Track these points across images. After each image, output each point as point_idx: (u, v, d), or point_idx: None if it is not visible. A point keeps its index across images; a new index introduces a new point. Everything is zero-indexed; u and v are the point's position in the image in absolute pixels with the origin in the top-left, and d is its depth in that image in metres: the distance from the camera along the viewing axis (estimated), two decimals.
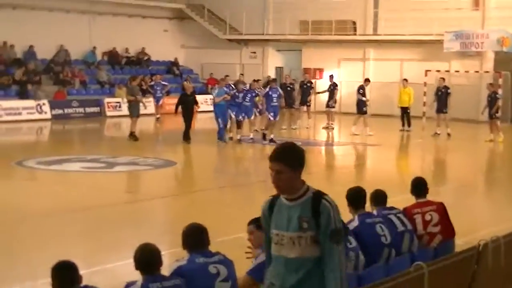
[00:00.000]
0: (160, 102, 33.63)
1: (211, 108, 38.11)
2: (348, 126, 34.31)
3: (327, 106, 31.19)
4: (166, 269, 5.99)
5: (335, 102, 31.79)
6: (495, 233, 8.02)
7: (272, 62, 42.49)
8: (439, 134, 28.07)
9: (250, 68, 41.85)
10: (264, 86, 25.91)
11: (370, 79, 36.40)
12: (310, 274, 4.83)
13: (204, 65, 43.24)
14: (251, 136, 25.22)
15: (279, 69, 42.58)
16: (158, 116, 33.26)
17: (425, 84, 34.05)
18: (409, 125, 30.09)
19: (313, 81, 34.16)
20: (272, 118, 25.11)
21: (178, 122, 24.57)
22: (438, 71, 35.05)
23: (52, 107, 33.18)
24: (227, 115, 24.82)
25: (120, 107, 35.30)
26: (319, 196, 4.93)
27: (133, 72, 38.94)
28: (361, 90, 29.34)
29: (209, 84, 40.91)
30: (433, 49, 35.32)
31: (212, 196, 16.34)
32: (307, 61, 40.35)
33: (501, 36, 33.25)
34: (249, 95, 25.32)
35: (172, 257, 7.27)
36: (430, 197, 8.63)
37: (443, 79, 29.55)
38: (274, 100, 25.29)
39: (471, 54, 35.34)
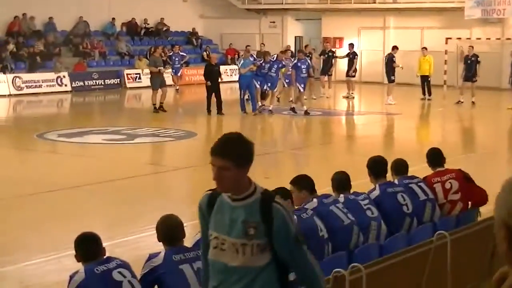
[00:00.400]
0: (179, 73, 33.54)
1: (232, 78, 38.33)
2: (369, 95, 34.19)
3: (347, 75, 31.03)
4: (189, 241, 6.01)
5: (355, 71, 31.64)
6: None
7: (292, 32, 42.30)
8: (462, 102, 27.81)
9: (270, 37, 41.63)
10: (266, 59, 25.26)
11: (390, 48, 36.22)
12: (253, 283, 4.15)
13: (223, 35, 43.12)
14: (270, 107, 24.87)
15: (298, 38, 42.39)
16: (177, 87, 33.23)
17: (446, 52, 33.83)
18: (429, 93, 29.89)
19: (334, 49, 33.96)
20: (302, 90, 24.73)
21: (197, 93, 24.55)
22: (459, 38, 34.80)
23: (72, 79, 33.25)
24: (253, 86, 24.50)
25: (139, 78, 35.35)
26: (269, 198, 4.21)
27: (152, 43, 38.95)
28: (394, 58, 29.13)
29: (229, 55, 40.82)
30: (454, 16, 34.99)
31: None
32: (326, 30, 40.13)
33: None
34: (275, 66, 25.01)
35: (196, 228, 7.30)
36: (453, 165, 8.60)
37: (472, 47, 29.20)
38: (304, 72, 24.73)
39: (493, 21, 34.98)
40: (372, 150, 17.23)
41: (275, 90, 25.41)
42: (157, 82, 24.83)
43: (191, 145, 19.52)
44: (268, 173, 15.38)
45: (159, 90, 24.79)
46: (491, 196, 11.61)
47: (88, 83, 33.84)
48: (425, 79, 30.08)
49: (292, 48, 39.89)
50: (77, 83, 33.40)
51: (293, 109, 24.62)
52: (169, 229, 5.73)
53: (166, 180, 14.90)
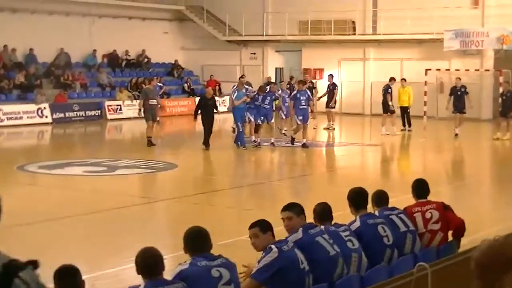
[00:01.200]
0: (159, 105, 33.51)
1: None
2: (349, 126, 34.35)
3: (327, 106, 31.16)
4: (169, 274, 5.99)
5: (335, 102, 31.77)
6: (499, 232, 8.00)
7: (272, 63, 42.50)
8: (458, 134, 27.50)
9: (250, 69, 41.82)
10: (261, 90, 24.92)
11: (371, 79, 36.50)
12: None
13: (204, 67, 43.26)
14: (272, 140, 24.57)
15: (279, 70, 42.59)
16: (157, 119, 33.21)
17: (425, 83, 34.09)
18: (409, 124, 30.05)
19: (314, 81, 34.15)
20: (299, 122, 24.22)
21: (178, 124, 24.49)
22: (438, 70, 35.10)
23: (53, 111, 33.20)
24: (244, 118, 24.21)
25: (120, 109, 35.37)
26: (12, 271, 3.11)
27: (133, 74, 39.07)
28: (389, 90, 29.28)
29: (209, 86, 40.85)
30: (433, 47, 35.31)
31: (214, 198, 16.35)
32: (307, 62, 40.34)
33: (501, 34, 33.25)
34: (268, 98, 24.69)
35: (175, 260, 7.28)
36: (432, 196, 8.63)
37: (459, 78, 29.23)
38: (303, 103, 24.19)
39: (472, 52, 35.33)
40: (352, 181, 17.30)
41: (272, 121, 25.20)
42: (149, 114, 24.19)
43: (172, 177, 19.48)
44: (249, 205, 15.38)
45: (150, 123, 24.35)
46: (473, 224, 11.70)
47: (69, 114, 33.78)
48: (404, 110, 30.24)
49: (273, 80, 40.13)
50: (58, 115, 33.34)
51: (292, 140, 24.44)
52: (148, 262, 5.70)
53: (146, 212, 14.85)
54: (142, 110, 24.30)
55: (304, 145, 23.94)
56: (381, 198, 8.33)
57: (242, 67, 42.59)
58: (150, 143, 24.10)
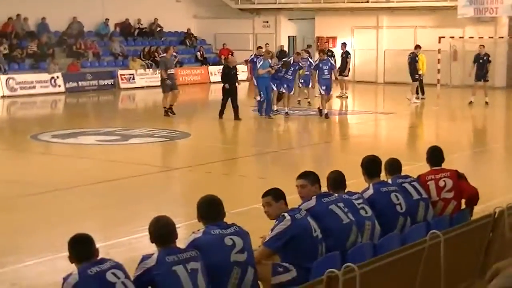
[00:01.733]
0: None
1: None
2: (362, 94, 34.23)
3: (340, 74, 30.99)
4: (183, 242, 6.01)
5: (349, 70, 31.64)
6: (511, 200, 8.00)
7: (285, 31, 42.32)
8: (473, 102, 27.42)
9: (263, 37, 41.63)
10: (278, 57, 24.99)
11: (384, 47, 36.29)
12: None
13: (217, 35, 43.12)
14: (286, 109, 24.14)
15: (292, 38, 42.41)
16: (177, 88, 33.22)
17: (439, 51, 33.87)
18: (423, 92, 29.90)
19: (332, 49, 33.97)
20: (323, 92, 23.76)
21: (191, 93, 24.42)
22: (452, 37, 34.86)
23: (66, 80, 33.22)
24: (270, 88, 23.80)
25: (133, 79, 35.36)
26: None
27: (146, 43, 38.98)
28: (416, 58, 29.11)
29: (222, 55, 40.84)
30: (447, 15, 35.05)
31: (227, 167, 16.37)
32: (320, 30, 40.16)
33: None
34: (291, 69, 24.22)
35: (189, 229, 7.32)
36: (446, 164, 8.61)
37: (483, 46, 28.98)
38: (326, 73, 23.85)
39: (486, 19, 35.07)
40: (366, 149, 17.26)
41: (292, 93, 24.87)
42: (167, 85, 23.93)
43: (185, 146, 19.52)
44: (263, 174, 15.41)
45: (170, 93, 24.10)
46: (486, 192, 11.69)
47: (82, 84, 33.80)
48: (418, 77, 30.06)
49: (286, 48, 39.95)
50: (71, 84, 33.37)
51: (321, 112, 23.91)
52: (161, 230, 5.72)
53: (160, 180, 14.89)
54: (164, 80, 23.97)
55: (326, 116, 23.62)
56: (394, 166, 8.32)
57: (255, 36, 42.46)
58: (167, 113, 23.95)
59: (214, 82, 38.28)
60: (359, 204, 7.31)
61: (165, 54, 24.98)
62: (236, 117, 22.89)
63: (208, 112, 23.85)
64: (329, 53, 31.60)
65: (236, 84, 23.39)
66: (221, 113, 23.17)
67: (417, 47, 29.74)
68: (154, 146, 19.27)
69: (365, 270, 5.68)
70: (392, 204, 7.60)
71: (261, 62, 23.79)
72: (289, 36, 42.32)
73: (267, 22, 42.43)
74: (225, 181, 14.36)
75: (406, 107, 27.80)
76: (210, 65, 39.90)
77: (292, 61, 24.66)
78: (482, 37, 34.19)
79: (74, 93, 32.61)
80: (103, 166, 16.10)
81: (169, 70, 24.00)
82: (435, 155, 8.59)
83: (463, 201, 8.40)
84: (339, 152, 18.84)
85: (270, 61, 24.21)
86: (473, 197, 8.33)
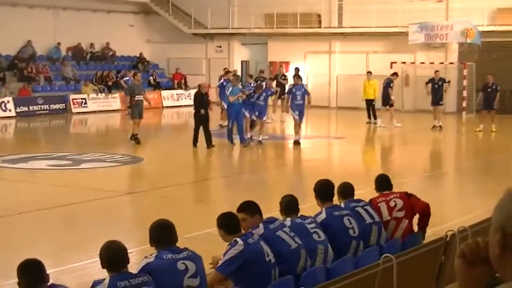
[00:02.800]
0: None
1: (178, 103, 38.32)
2: (315, 119, 34.40)
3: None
4: (135, 267, 5.96)
5: None
6: (463, 223, 8.09)
7: (238, 56, 42.46)
8: (437, 126, 27.83)
9: (216, 62, 41.73)
10: (259, 89, 23.65)
11: (337, 72, 36.63)
12: None
13: (170, 60, 43.09)
14: (260, 138, 23.32)
15: (245, 63, 42.57)
16: (127, 112, 33.08)
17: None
18: (375, 117, 30.19)
19: (286, 74, 34.21)
20: (296, 118, 23.22)
21: (144, 118, 24.18)
22: (403, 62, 35.32)
23: (16, 105, 32.86)
24: (242, 115, 22.99)
25: (85, 103, 35.11)
26: None
27: (98, 68, 38.76)
28: (391, 84, 29.39)
29: (175, 79, 40.83)
30: (398, 41, 35.52)
31: (181, 192, 16.29)
32: (273, 55, 40.38)
33: (465, 27, 33.51)
34: (264, 94, 23.52)
35: (142, 254, 7.25)
36: (398, 188, 8.70)
37: (438, 71, 29.44)
38: (298, 98, 23.21)
39: (436, 45, 35.63)
40: (318, 173, 17.33)
41: (264, 119, 24.25)
42: (136, 111, 23.09)
43: (139, 170, 19.41)
44: (217, 198, 15.37)
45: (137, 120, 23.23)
46: (438, 215, 11.80)
47: (33, 108, 33.45)
48: (370, 103, 30.39)
49: (239, 73, 40.08)
50: (22, 108, 33.01)
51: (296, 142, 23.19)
52: (112, 255, 5.67)
53: (113, 205, 14.75)
54: (131, 106, 23.21)
55: (296, 142, 23.15)
56: (347, 190, 8.37)
57: (208, 60, 42.55)
58: (137, 140, 23.02)
59: (167, 107, 38.24)
60: (312, 228, 7.32)
61: (130, 78, 24.58)
62: (209, 144, 22.13)
63: (161, 137, 23.72)
64: (282, 78, 31.86)
65: (209, 110, 22.67)
66: (195, 141, 22.31)
67: (394, 74, 30.12)
68: (106, 170, 19.12)
69: None
70: (345, 228, 7.64)
71: (230, 89, 23.11)
72: (242, 61, 42.46)
73: (220, 47, 42.55)
74: (178, 206, 14.28)
75: (359, 132, 28.02)
76: (163, 89, 39.83)
77: (264, 86, 24.33)
78: (433, 63, 34.71)
79: (25, 117, 32.25)
80: (54, 191, 15.91)
81: (137, 96, 23.15)
82: (382, 183, 8.69)
83: (415, 219, 8.55)
84: (292, 176, 18.89)
85: (240, 87, 23.82)
86: (425, 211, 8.56)
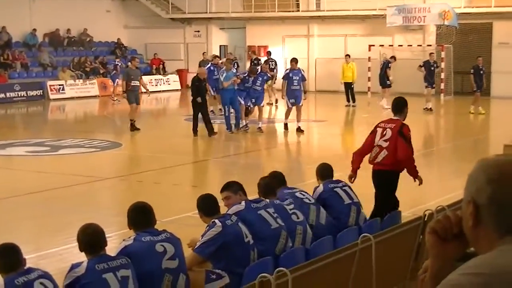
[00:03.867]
0: (116, 83, 33.44)
1: (157, 88, 38.14)
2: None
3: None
4: (114, 250, 5.94)
5: (275, 78, 31.50)
6: (442, 203, 8.12)
7: (216, 41, 42.31)
8: (428, 109, 28.13)
9: (194, 47, 41.60)
10: (252, 72, 22.61)
11: (315, 55, 36.59)
12: None
13: (148, 45, 42.88)
14: (260, 124, 22.45)
15: (223, 47, 42.45)
16: (114, 97, 33.02)
17: (369, 59, 34.28)
18: (353, 100, 30.22)
19: (259, 58, 34.15)
20: (290, 105, 22.11)
21: (121, 103, 24.06)
22: (381, 45, 35.33)
23: None
24: (237, 100, 22.01)
25: (63, 89, 34.89)
26: None
27: (76, 53, 38.48)
28: (389, 65, 29.57)
29: (153, 64, 40.66)
30: (376, 24, 35.53)
31: (159, 176, 16.24)
32: (251, 39, 40.29)
33: (443, 9, 33.56)
34: (260, 79, 22.48)
35: (121, 238, 7.22)
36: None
37: (433, 53, 29.49)
38: (295, 84, 21.97)
39: (414, 28, 35.68)
40: (300, 156, 17.36)
41: (262, 105, 22.93)
42: (132, 96, 22.65)
43: (117, 156, 19.33)
44: (195, 182, 15.36)
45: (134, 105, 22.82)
46: (417, 196, 11.82)
47: (10, 95, 33.20)
48: (348, 86, 30.41)
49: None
50: None
51: (286, 126, 22.53)
52: (90, 238, 5.66)
53: (91, 190, 14.70)
54: (127, 91, 22.82)
55: (299, 129, 22.14)
56: (326, 171, 8.41)
57: (186, 45, 42.41)
58: (133, 127, 22.52)
59: (144, 92, 38.02)
60: (290, 209, 7.33)
61: (130, 66, 23.81)
62: (211, 132, 21.33)
63: (139, 122, 23.60)
64: (255, 61, 31.69)
65: (207, 96, 22.06)
66: (195, 129, 21.52)
67: (392, 57, 30.15)
68: (84, 156, 19.02)
69: (297, 274, 5.68)
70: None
71: (224, 74, 22.00)
72: (220, 45, 42.31)
73: (198, 31, 42.40)
74: (157, 190, 14.25)
75: (338, 115, 28.04)
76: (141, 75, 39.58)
77: (259, 70, 23.30)
78: (411, 45, 34.78)
79: (2, 104, 31.97)
80: (32, 177, 15.82)
81: (133, 81, 22.68)
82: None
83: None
84: (271, 160, 18.87)
85: (234, 71, 22.74)
86: (404, 157, 9.12)
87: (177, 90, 39.61)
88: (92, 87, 36.10)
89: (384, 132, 9.17)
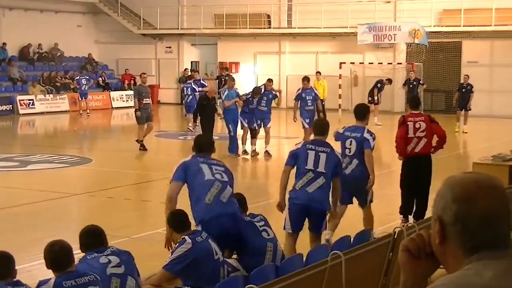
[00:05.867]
0: (86, 97, 33.53)
1: (128, 104, 38.00)
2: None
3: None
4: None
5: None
6: (411, 221, 8.15)
7: (188, 56, 42.33)
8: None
9: (166, 62, 41.60)
10: (256, 93, 20.92)
11: (286, 72, 36.68)
12: None
13: (119, 61, 42.78)
14: (267, 148, 20.96)
15: (195, 63, 42.47)
16: (81, 112, 32.99)
17: (340, 76, 34.46)
18: (324, 115, 30.26)
19: (230, 73, 34.20)
20: (306, 126, 20.78)
21: (95, 118, 23.97)
22: (352, 63, 35.56)
23: None
24: (237, 121, 20.66)
25: (33, 104, 34.66)
26: None
27: (46, 68, 38.26)
28: (379, 84, 29.88)
29: (125, 80, 40.54)
30: (347, 41, 35.74)
31: (130, 192, 16.16)
32: (223, 55, 40.34)
33: (413, 28, 33.87)
34: (265, 98, 21.03)
35: None
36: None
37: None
38: (309, 104, 21.14)
39: (384, 46, 35.95)
40: (268, 172, 17.34)
41: (269, 126, 21.28)
42: (143, 115, 21.50)
43: (87, 171, 19.19)
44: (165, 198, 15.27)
45: (145, 125, 21.75)
46: (387, 213, 11.83)
47: None
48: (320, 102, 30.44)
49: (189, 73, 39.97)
50: None
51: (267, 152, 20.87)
52: (56, 255, 5.62)
53: (60, 206, 14.57)
54: (137, 110, 21.59)
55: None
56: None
57: (157, 61, 42.36)
58: (143, 147, 21.57)
59: (116, 108, 37.94)
60: (261, 226, 7.31)
61: (140, 83, 22.51)
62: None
63: (110, 138, 23.48)
64: (226, 78, 31.50)
65: (216, 116, 21.01)
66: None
67: (388, 80, 30.39)
68: (54, 172, 18.87)
69: None
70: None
71: (225, 92, 20.57)
72: (191, 61, 42.33)
73: (170, 47, 42.38)
74: (127, 206, 14.17)
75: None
76: (112, 90, 39.52)
77: (263, 89, 21.49)
78: (381, 63, 35.03)
79: None
80: (0, 192, 15.66)
81: (144, 99, 21.62)
82: (413, 103, 12.26)
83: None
84: (242, 178, 18.85)
85: (237, 90, 21.27)
86: (441, 136, 11.75)
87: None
88: (62, 102, 35.90)
89: (418, 126, 11.50)
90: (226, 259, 6.97)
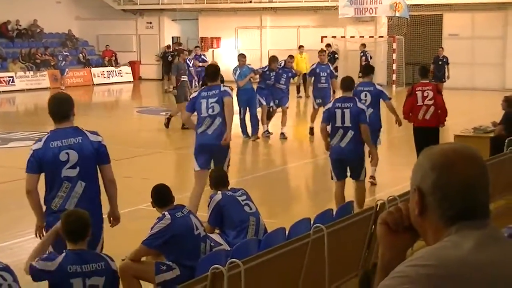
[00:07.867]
0: (65, 73, 33.41)
1: (108, 80, 37.84)
2: None
3: None
4: None
5: None
6: (394, 193, 8.18)
7: (169, 32, 42.11)
8: None
9: (146, 38, 41.37)
10: (273, 66, 19.40)
11: (268, 47, 36.60)
12: None
13: (99, 37, 42.49)
14: (283, 129, 19.26)
15: (176, 39, 42.27)
16: (63, 88, 32.83)
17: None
18: (305, 91, 30.30)
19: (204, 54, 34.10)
20: (316, 107, 18.94)
21: (73, 95, 23.71)
22: (334, 37, 35.48)
23: None
24: (255, 102, 19.02)
25: (13, 81, 34.40)
26: None
27: (25, 45, 37.94)
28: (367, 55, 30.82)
29: (106, 56, 40.30)
30: (329, 15, 35.66)
31: (112, 168, 16.08)
32: (204, 30, 40.16)
33: (394, 1, 33.79)
34: (284, 76, 19.47)
35: None
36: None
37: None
38: (323, 81, 19.05)
39: (366, 19, 35.88)
40: (250, 147, 17.32)
41: (287, 106, 19.66)
42: (182, 93, 20.44)
43: None
44: (147, 175, 15.26)
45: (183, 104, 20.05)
46: (372, 186, 11.87)
47: None
48: (303, 77, 30.40)
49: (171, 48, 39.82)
50: None
51: (312, 130, 19.17)
52: (71, 226, 5.59)
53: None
54: (175, 88, 20.84)
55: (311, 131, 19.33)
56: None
57: (138, 37, 42.12)
58: (182, 126, 19.78)
59: (97, 84, 37.74)
60: (243, 200, 7.32)
61: (179, 60, 21.85)
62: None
63: (91, 114, 23.38)
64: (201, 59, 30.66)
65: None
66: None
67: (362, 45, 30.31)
68: None
69: (250, 265, 5.67)
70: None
71: (237, 72, 19.08)
72: (172, 37, 42.12)
73: (151, 23, 42.13)
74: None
75: (290, 106, 27.97)
76: (93, 67, 39.28)
77: (283, 65, 19.94)
78: (363, 37, 34.98)
79: None
80: None
81: (182, 76, 20.87)
82: (423, 72, 13.88)
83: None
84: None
85: (250, 66, 19.59)
86: (441, 109, 12.71)
87: (129, 82, 39.36)
88: (43, 79, 35.64)
89: (426, 94, 12.49)
90: (208, 234, 6.97)
